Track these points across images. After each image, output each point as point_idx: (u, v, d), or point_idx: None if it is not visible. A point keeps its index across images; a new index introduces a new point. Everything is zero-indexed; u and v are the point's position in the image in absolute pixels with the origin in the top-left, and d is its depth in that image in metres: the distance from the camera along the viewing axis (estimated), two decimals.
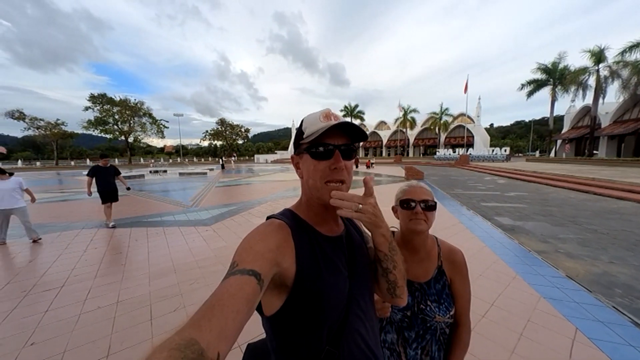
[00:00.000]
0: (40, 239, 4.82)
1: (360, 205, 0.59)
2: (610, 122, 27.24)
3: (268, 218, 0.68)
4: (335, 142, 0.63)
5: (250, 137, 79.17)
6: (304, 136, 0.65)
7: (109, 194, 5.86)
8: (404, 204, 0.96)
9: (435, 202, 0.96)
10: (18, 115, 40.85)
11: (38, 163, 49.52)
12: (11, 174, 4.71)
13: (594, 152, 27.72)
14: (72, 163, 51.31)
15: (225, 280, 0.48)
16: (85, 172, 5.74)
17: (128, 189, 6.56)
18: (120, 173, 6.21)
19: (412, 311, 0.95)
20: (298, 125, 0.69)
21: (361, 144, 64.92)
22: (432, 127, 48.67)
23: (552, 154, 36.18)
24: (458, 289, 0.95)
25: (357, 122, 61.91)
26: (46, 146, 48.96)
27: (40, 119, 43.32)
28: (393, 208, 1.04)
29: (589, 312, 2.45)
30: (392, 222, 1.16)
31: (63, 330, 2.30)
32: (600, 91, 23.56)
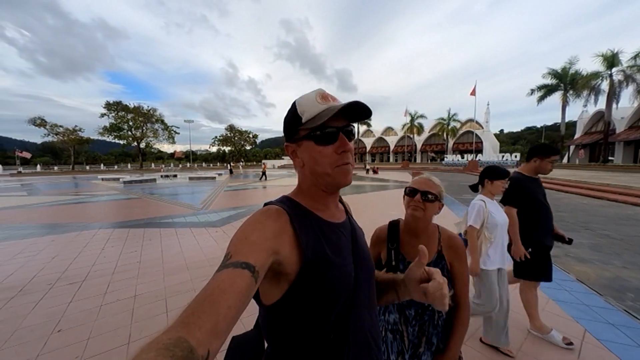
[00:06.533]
0: None
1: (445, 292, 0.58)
2: (626, 128, 26.49)
3: (265, 205, 0.64)
4: (338, 125, 0.59)
5: (258, 142, 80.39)
6: (303, 121, 0.59)
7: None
8: (407, 191, 1.07)
9: (436, 196, 1.03)
10: (39, 122, 42.93)
11: (56, 168, 51.59)
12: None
13: (610, 158, 26.91)
14: (87, 168, 53.73)
15: (217, 273, 0.46)
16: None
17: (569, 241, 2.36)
18: None
19: None
20: (290, 110, 0.62)
21: (368, 149, 64.89)
22: (440, 133, 48.24)
23: (565, 160, 35.27)
24: (457, 272, 1.03)
25: (364, 127, 62.13)
26: (64, 151, 51.06)
27: (60, 126, 45.34)
28: (403, 197, 1.15)
29: (599, 315, 2.43)
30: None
31: (87, 319, 2.45)
32: (613, 96, 23.04)
